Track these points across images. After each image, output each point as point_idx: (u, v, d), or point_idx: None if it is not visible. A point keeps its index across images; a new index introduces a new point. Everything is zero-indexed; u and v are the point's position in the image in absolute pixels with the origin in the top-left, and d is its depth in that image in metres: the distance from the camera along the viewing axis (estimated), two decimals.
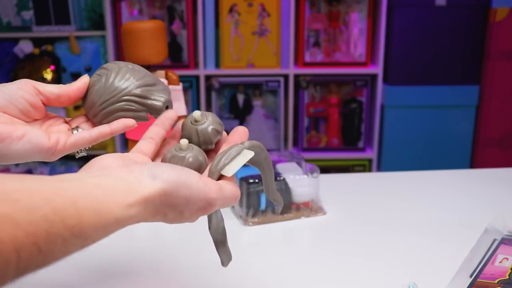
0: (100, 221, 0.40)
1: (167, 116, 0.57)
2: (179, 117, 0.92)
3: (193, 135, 0.54)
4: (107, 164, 0.47)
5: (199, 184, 0.46)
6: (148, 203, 0.44)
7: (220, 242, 0.54)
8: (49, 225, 0.37)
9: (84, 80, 0.57)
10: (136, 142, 0.90)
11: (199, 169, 0.52)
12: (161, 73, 0.91)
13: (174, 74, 0.92)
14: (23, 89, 0.54)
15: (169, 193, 0.45)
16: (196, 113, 0.54)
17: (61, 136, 0.56)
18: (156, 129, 0.56)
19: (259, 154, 0.53)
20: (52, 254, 0.38)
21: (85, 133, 0.58)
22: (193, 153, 0.52)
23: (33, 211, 0.36)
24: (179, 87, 0.92)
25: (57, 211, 0.38)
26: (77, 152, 0.60)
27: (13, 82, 0.55)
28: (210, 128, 0.54)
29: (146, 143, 0.55)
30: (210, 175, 0.50)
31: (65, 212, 0.38)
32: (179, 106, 0.92)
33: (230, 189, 0.49)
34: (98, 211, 0.40)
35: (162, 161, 0.53)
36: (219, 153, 0.51)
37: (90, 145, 0.59)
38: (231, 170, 0.50)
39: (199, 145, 0.54)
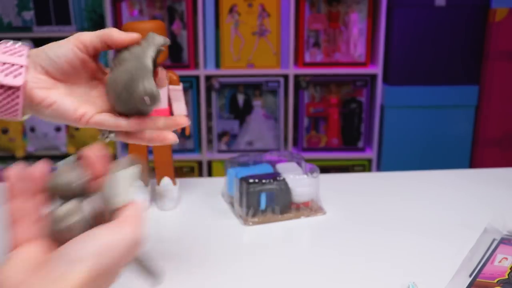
0: None
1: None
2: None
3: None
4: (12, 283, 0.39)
5: (114, 235, 0.41)
6: None
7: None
8: None
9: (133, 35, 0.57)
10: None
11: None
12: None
13: (175, 74, 0.92)
14: (66, 48, 0.56)
15: (99, 268, 0.40)
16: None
17: (90, 110, 0.57)
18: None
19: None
20: None
21: (110, 118, 0.57)
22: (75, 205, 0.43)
23: None
24: (179, 87, 0.92)
25: None
26: (104, 135, 0.59)
27: (62, 41, 0.57)
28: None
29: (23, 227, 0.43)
30: (103, 221, 0.43)
31: None
32: (180, 106, 0.92)
33: (134, 213, 0.44)
34: None
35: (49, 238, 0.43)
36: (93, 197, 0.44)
37: (114, 129, 0.58)
38: (122, 197, 0.44)
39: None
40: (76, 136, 2.37)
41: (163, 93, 0.91)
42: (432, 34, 2.18)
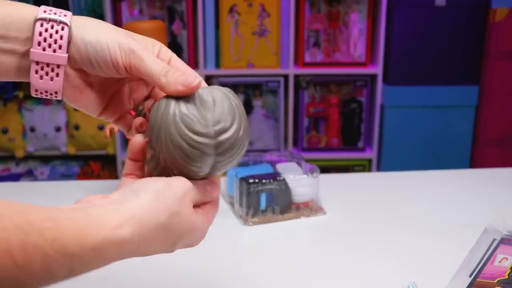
0: (84, 239, 0.37)
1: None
2: None
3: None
4: (88, 199, 0.44)
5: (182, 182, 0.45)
6: (136, 220, 0.41)
7: None
8: (25, 235, 0.34)
9: (196, 84, 0.47)
10: None
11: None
12: None
13: None
14: (112, 60, 0.46)
15: (157, 201, 0.43)
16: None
17: (114, 110, 0.53)
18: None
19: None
20: (31, 268, 0.34)
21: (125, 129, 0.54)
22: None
23: (4, 218, 0.33)
24: None
25: (32, 222, 0.35)
26: (139, 110, 0.55)
27: (110, 38, 0.46)
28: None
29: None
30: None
31: (41, 224, 0.35)
32: None
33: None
34: (80, 230, 0.37)
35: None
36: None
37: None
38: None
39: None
40: (76, 136, 2.37)
41: None
42: (432, 34, 2.18)
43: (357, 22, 2.21)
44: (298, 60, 2.25)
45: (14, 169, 2.43)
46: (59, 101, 2.37)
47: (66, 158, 2.47)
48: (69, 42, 0.46)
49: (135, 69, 0.46)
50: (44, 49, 0.45)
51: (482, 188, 1.01)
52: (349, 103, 2.29)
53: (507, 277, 0.67)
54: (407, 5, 2.16)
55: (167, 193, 0.43)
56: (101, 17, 2.23)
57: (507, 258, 0.70)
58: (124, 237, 0.39)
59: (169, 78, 0.46)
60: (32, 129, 2.37)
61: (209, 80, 2.25)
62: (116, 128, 0.93)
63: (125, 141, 2.25)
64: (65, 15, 0.46)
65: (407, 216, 0.90)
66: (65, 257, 0.36)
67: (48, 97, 0.48)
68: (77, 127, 2.35)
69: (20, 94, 2.30)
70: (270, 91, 2.28)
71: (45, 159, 2.46)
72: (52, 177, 2.41)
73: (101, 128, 2.36)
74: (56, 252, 0.35)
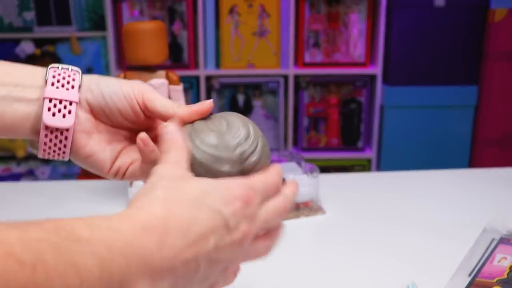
0: None
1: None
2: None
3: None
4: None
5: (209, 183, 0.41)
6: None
7: None
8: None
9: (208, 104, 0.48)
10: None
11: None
12: (161, 73, 0.92)
13: (175, 74, 0.93)
14: (125, 95, 0.48)
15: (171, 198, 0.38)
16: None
17: (124, 165, 0.50)
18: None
19: None
20: None
21: (138, 170, 0.51)
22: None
23: None
24: (180, 87, 0.92)
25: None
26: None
27: (122, 80, 0.49)
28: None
29: None
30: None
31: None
32: None
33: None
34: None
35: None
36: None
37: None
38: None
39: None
40: None
41: (163, 93, 0.91)
42: (432, 34, 2.18)
43: (356, 22, 2.21)
44: (298, 61, 2.25)
45: (15, 169, 2.44)
46: None
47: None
48: (80, 86, 0.47)
49: (148, 103, 0.48)
50: (57, 88, 0.46)
51: (481, 188, 1.01)
52: (349, 103, 2.29)
53: (506, 276, 0.67)
54: (406, 5, 2.16)
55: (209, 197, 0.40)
56: (101, 17, 2.23)
57: (506, 258, 0.71)
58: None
59: (181, 108, 0.48)
60: None
61: (209, 80, 2.25)
62: None
63: None
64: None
65: (406, 216, 0.90)
66: None
67: (56, 157, 0.48)
68: None
69: None
70: (270, 91, 2.28)
71: (46, 159, 2.46)
72: (53, 177, 2.42)
73: None
74: None
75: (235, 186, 0.41)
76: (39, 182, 1.90)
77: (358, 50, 2.23)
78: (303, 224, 0.89)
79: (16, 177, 2.40)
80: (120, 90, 0.48)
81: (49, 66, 0.48)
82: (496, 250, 0.73)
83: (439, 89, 2.24)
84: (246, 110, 2.30)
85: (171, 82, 0.92)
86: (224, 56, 2.23)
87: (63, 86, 0.46)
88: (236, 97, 2.29)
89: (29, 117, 0.47)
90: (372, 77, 2.25)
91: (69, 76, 0.47)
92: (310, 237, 0.88)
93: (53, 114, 0.46)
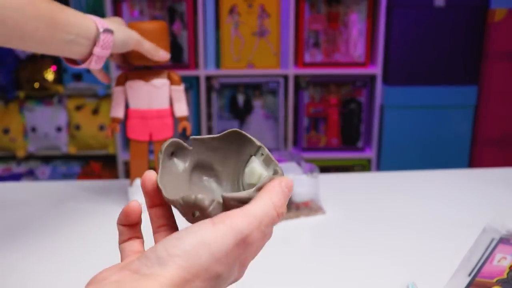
0: None
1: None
2: (181, 118, 0.93)
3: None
4: (103, 276, 0.37)
5: (218, 231, 0.36)
6: None
7: None
8: None
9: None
10: (138, 142, 0.91)
11: None
12: (163, 73, 0.92)
13: (176, 74, 0.93)
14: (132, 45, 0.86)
15: (189, 272, 0.35)
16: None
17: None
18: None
19: None
20: None
21: None
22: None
23: None
24: (181, 87, 0.93)
25: None
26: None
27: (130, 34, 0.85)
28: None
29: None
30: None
31: None
32: (181, 107, 0.93)
33: (262, 207, 0.40)
34: None
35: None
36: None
37: None
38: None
39: None
40: (77, 136, 2.38)
41: (164, 94, 0.91)
42: (432, 34, 2.19)
43: (356, 22, 2.21)
44: (298, 61, 2.25)
45: (15, 169, 2.44)
46: (60, 102, 2.38)
47: (67, 158, 2.48)
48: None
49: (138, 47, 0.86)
50: (102, 48, 0.79)
51: (481, 188, 1.02)
52: (349, 103, 2.29)
53: (505, 276, 0.67)
54: (406, 5, 2.17)
55: (201, 258, 0.37)
56: (101, 17, 2.23)
57: (505, 258, 0.71)
58: None
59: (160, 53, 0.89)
60: (33, 129, 2.37)
61: (209, 80, 2.25)
62: (117, 127, 0.94)
63: (126, 141, 2.25)
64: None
65: (406, 216, 0.91)
66: None
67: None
68: (78, 127, 2.36)
69: (21, 94, 2.31)
70: (270, 91, 2.28)
71: (46, 159, 2.47)
72: (53, 177, 2.42)
73: (101, 128, 2.36)
74: None
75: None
76: (39, 182, 1.90)
77: (358, 50, 2.24)
78: (303, 224, 0.89)
79: (16, 177, 2.40)
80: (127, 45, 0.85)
81: (102, 29, 0.80)
82: (495, 250, 0.73)
83: (439, 89, 2.24)
84: (246, 110, 2.30)
85: (172, 82, 0.92)
86: (224, 56, 2.23)
87: (104, 47, 0.79)
88: (236, 97, 2.29)
89: (83, 53, 0.79)
90: (372, 77, 2.25)
91: (108, 40, 0.80)
92: (310, 237, 0.88)
93: (95, 62, 0.80)
